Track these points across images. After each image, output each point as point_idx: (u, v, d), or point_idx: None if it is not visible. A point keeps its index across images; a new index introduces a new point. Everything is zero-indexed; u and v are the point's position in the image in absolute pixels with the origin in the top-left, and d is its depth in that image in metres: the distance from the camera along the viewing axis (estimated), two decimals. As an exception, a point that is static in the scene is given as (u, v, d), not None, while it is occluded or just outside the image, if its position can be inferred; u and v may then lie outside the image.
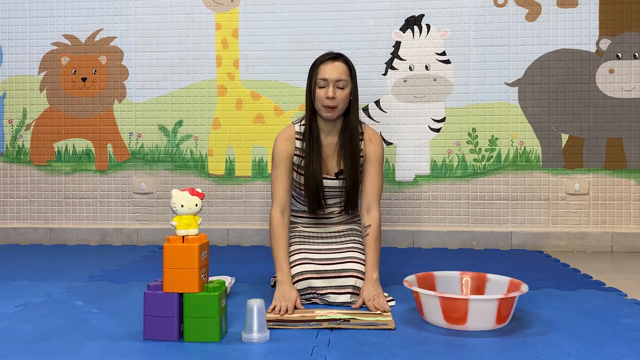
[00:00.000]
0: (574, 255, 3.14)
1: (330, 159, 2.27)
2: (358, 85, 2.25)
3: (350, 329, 1.78)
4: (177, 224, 1.71)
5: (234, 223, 3.44)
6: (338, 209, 2.33)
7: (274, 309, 1.96)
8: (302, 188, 2.27)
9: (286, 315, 1.91)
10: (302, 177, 2.25)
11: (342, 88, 2.17)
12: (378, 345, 1.65)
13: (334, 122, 2.25)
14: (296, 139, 2.26)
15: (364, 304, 2.05)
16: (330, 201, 2.29)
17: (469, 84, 3.31)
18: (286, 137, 2.26)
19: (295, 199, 2.36)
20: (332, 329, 1.78)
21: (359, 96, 2.28)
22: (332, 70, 2.17)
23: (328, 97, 2.15)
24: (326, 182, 2.25)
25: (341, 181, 2.25)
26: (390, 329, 1.78)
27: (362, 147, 2.27)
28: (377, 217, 2.21)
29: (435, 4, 3.32)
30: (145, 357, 1.57)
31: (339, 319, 1.86)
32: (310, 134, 2.24)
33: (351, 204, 2.30)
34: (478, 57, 3.30)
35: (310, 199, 2.25)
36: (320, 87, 2.18)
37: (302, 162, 2.25)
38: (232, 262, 2.88)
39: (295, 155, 2.26)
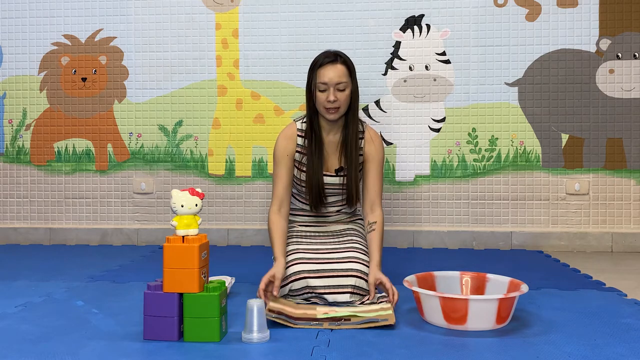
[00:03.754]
0: (574, 255, 3.14)
1: (332, 157, 2.30)
2: (358, 85, 2.27)
3: (351, 328, 1.79)
4: (177, 224, 1.71)
5: (234, 223, 3.44)
6: (337, 207, 2.35)
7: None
8: (304, 185, 2.29)
9: (288, 310, 1.91)
10: (304, 174, 2.28)
11: (342, 90, 2.20)
12: (378, 345, 1.65)
13: (335, 121, 2.27)
14: (298, 136, 2.29)
15: (377, 286, 2.06)
16: (330, 198, 2.31)
17: (469, 84, 3.31)
18: (287, 135, 2.30)
19: (295, 197, 2.38)
20: (332, 329, 1.78)
21: (359, 96, 2.30)
22: (332, 74, 2.18)
23: (329, 101, 2.18)
24: (326, 180, 2.28)
25: (341, 178, 2.28)
26: (390, 325, 1.78)
27: (362, 146, 2.30)
28: (381, 215, 2.26)
29: (435, 4, 3.32)
30: (145, 357, 1.57)
31: (340, 318, 1.86)
32: (312, 132, 2.27)
33: (352, 201, 2.32)
34: (478, 57, 3.30)
35: (311, 195, 2.28)
36: (321, 91, 2.20)
37: (304, 158, 2.29)
38: (232, 262, 2.88)
39: (297, 152, 2.30)
